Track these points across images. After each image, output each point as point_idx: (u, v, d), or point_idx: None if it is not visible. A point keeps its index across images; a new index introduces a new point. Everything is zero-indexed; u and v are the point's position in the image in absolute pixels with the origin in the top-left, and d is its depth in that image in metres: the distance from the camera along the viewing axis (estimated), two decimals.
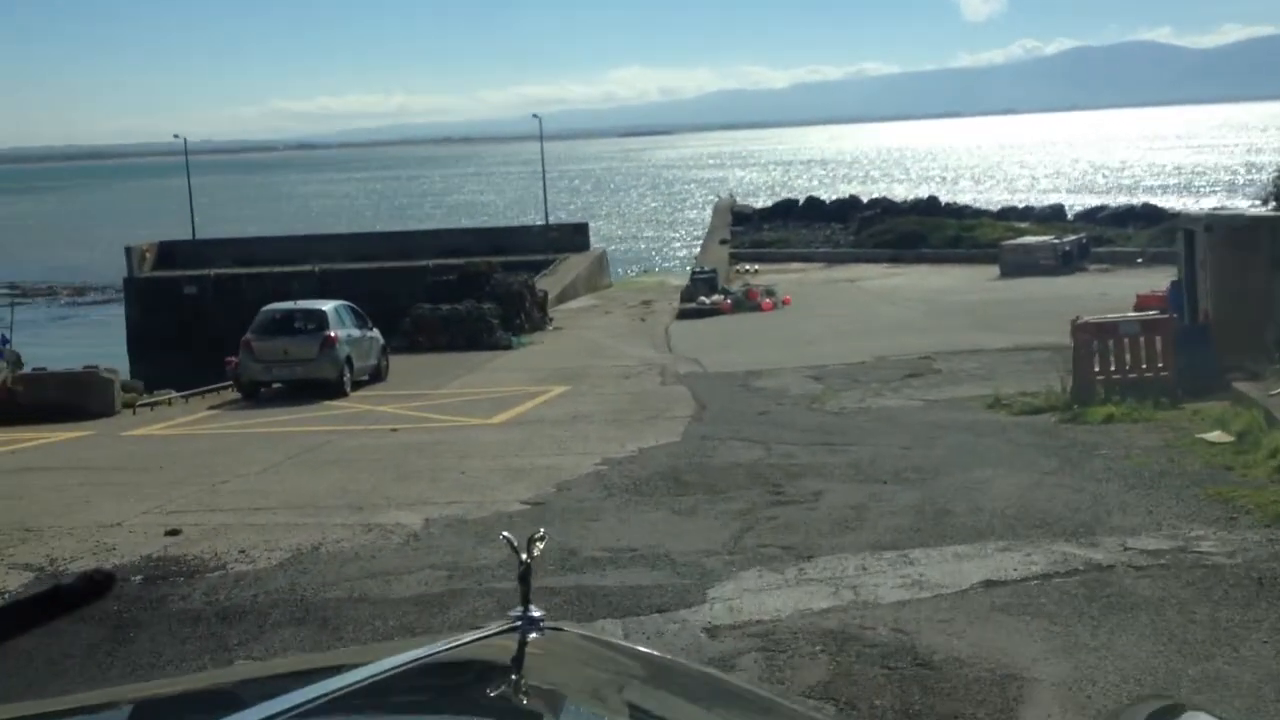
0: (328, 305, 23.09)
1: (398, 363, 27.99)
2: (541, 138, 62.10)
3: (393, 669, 1.71)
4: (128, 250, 58.85)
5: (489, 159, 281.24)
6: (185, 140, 66.27)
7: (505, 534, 2.12)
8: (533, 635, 1.94)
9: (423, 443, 16.37)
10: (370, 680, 1.67)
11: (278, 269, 54.88)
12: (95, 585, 3.27)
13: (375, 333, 24.23)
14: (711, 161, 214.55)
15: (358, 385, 22.99)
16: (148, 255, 59.63)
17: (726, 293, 40.23)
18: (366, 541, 10.68)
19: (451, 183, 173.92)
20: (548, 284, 43.32)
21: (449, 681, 1.85)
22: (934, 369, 21.28)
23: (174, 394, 23.43)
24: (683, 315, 38.13)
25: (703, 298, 39.50)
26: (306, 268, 54.13)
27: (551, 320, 36.47)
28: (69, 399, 20.49)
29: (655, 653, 2.34)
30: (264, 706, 1.55)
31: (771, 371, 22.53)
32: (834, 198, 72.30)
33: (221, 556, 10.21)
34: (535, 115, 63.47)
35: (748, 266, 50.85)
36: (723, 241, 59.89)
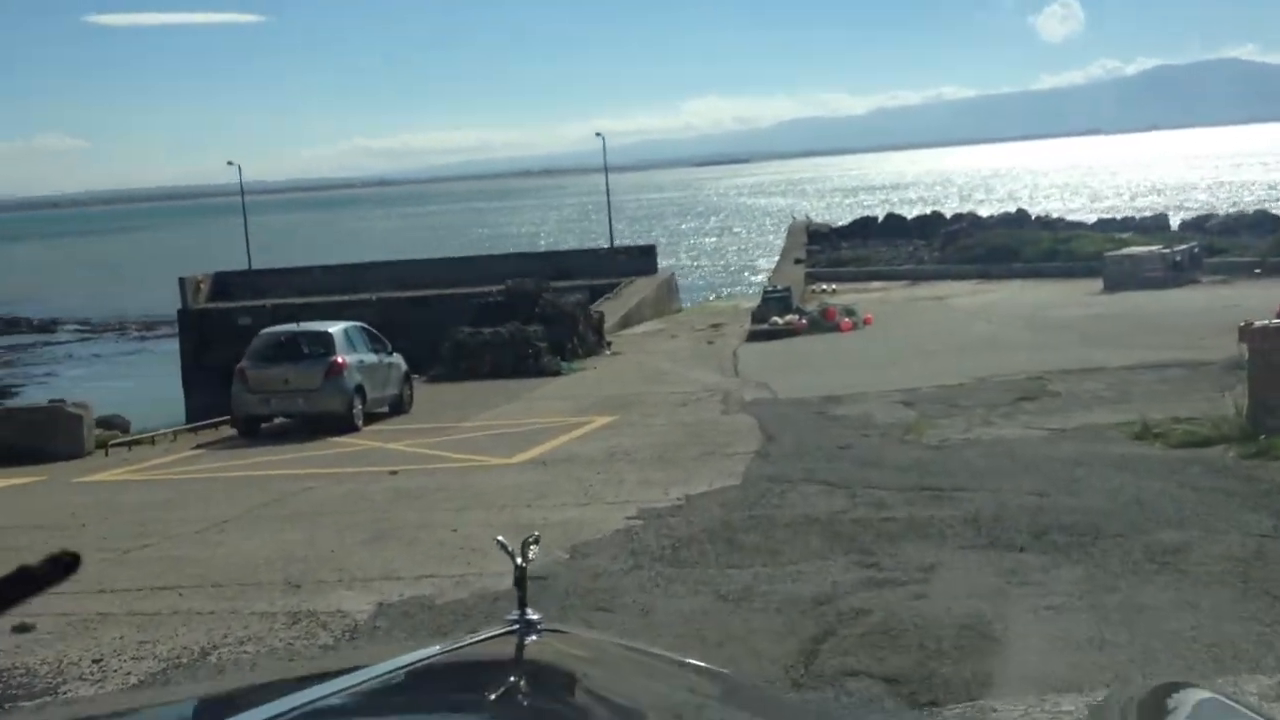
0: (335, 327, 20.04)
1: (432, 392, 24.93)
2: (605, 155, 59.16)
3: (389, 673, 1.67)
4: (181, 281, 56.80)
5: (568, 190, 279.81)
6: (240, 168, 64.21)
7: (499, 538, 2.06)
8: (531, 638, 1.88)
9: (420, 489, 13.19)
10: (367, 684, 1.64)
11: (334, 298, 52.69)
12: (61, 567, 1.75)
13: (396, 358, 21.16)
14: (786, 188, 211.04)
15: (373, 418, 19.95)
16: (202, 286, 57.58)
17: (801, 312, 36.75)
18: (283, 641, 7.51)
19: (528, 214, 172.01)
20: (611, 308, 40.16)
21: (446, 685, 1.80)
22: (1049, 391, 17.72)
23: (163, 431, 20.55)
24: (753, 337, 34.81)
25: (775, 318, 36.07)
26: (364, 296, 51.79)
27: (609, 344, 33.24)
28: (31, 439, 17.66)
29: (659, 650, 2.20)
30: (263, 709, 1.51)
31: (853, 397, 19.12)
32: (916, 214, 68.48)
33: (64, 670, 7.11)
34: (599, 134, 60.54)
35: (824, 286, 47.39)
36: (798, 261, 56.37)
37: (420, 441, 17.41)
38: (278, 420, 19.74)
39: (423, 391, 25.06)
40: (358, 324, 20.80)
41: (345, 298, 52.60)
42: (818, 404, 18.73)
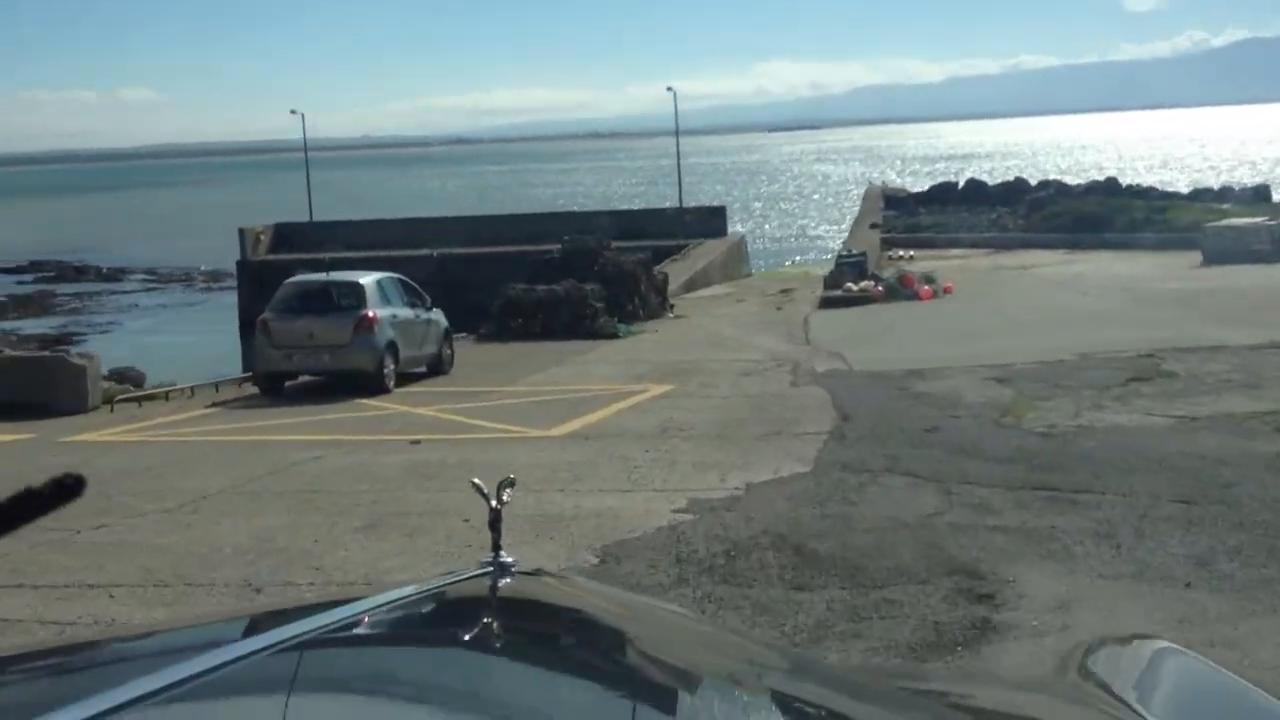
0: (367, 277, 18.25)
1: (478, 353, 23.22)
2: (676, 111, 56.96)
3: (360, 613, 1.63)
4: (241, 232, 55.69)
5: (637, 153, 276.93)
6: (303, 117, 62.88)
7: (474, 480, 2.01)
8: (506, 580, 1.83)
9: (440, 464, 11.42)
10: (337, 624, 1.57)
11: (394, 253, 51.37)
12: (65, 489, 1.44)
13: (435, 314, 19.38)
14: (860, 155, 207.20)
15: (408, 378, 18.23)
16: (262, 238, 56.42)
17: (878, 278, 34.59)
18: None
19: (597, 175, 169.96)
20: (677, 270, 38.22)
21: (418, 626, 1.75)
22: (1165, 371, 15.57)
23: (181, 386, 19.00)
24: (826, 304, 32.76)
25: (849, 284, 33.96)
26: (424, 252, 50.37)
27: (673, 307, 31.34)
28: (32, 392, 16.13)
29: (636, 595, 2.38)
30: (234, 646, 1.45)
31: (937, 371, 17.09)
32: (999, 181, 65.63)
33: None
34: (670, 89, 58.36)
35: (901, 252, 45.09)
36: (873, 226, 53.94)
37: (454, 407, 15.65)
38: (304, 378, 18.11)
39: (468, 351, 23.36)
40: (393, 275, 19.01)
41: (403, 253, 51.32)
42: (898, 378, 16.72)
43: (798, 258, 65.71)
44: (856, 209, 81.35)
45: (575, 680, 1.63)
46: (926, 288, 32.74)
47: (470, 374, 19.56)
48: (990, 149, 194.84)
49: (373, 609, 1.68)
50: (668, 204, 62.71)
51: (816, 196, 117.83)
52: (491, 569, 1.86)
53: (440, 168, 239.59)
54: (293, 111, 62.85)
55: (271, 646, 1.46)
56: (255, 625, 1.74)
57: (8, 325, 52.00)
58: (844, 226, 79.43)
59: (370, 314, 17.20)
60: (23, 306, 59.25)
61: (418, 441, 12.87)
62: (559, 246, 31.91)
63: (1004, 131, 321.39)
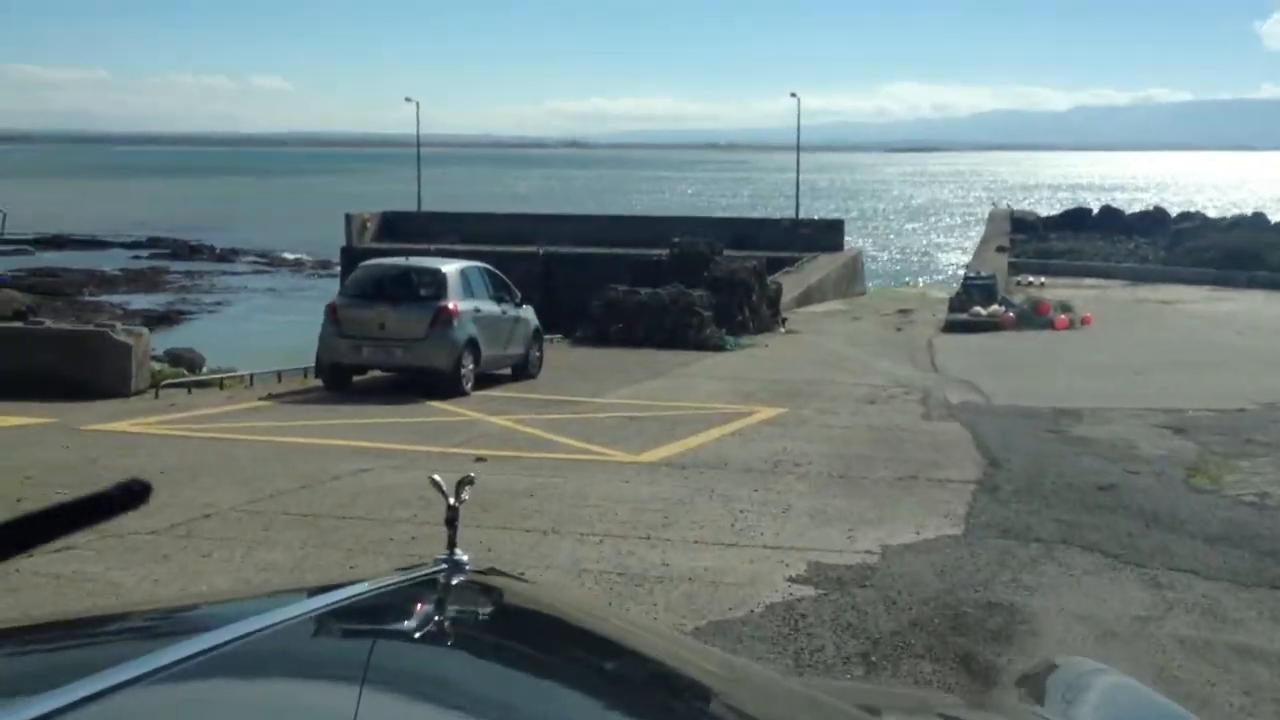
0: (450, 266, 16.29)
1: (571, 357, 21.25)
2: (799, 116, 54.68)
3: (312, 610, 1.59)
4: (348, 219, 54.78)
5: (757, 165, 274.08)
6: (417, 105, 61.76)
7: (434, 476, 1.97)
8: (459, 579, 1.81)
9: (505, 491, 9.39)
10: (286, 621, 1.52)
11: (500, 248, 50.13)
12: (132, 495, 1.50)
13: (525, 312, 17.43)
14: (984, 180, 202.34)
15: (489, 381, 16.30)
16: (369, 225, 55.45)
17: (1007, 304, 32.04)
18: None
19: (714, 186, 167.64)
20: (789, 283, 36.02)
21: (369, 624, 1.70)
22: None
23: (241, 373, 17.30)
24: (951, 328, 30.35)
25: (978, 308, 31.47)
26: (530, 249, 48.99)
27: (785, 321, 29.13)
28: (74, 369, 14.51)
29: (590, 599, 2.55)
30: (178, 646, 1.39)
31: (1095, 412, 14.69)
32: (1136, 209, 62.12)
33: None
34: (793, 94, 56.09)
35: (1031, 278, 42.34)
36: (1000, 249, 51.03)
37: (534, 418, 13.65)
38: (374, 373, 16.26)
39: (561, 355, 21.42)
40: (481, 265, 17.04)
41: (509, 248, 50.10)
42: (1048, 418, 14.36)
43: (916, 279, 63.08)
44: (979, 231, 78.45)
45: (527, 679, 1.60)
46: (1062, 317, 30.16)
47: (559, 380, 17.57)
48: (1118, 180, 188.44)
49: (324, 606, 1.61)
50: (783, 216, 60.54)
51: (933, 218, 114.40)
52: (445, 566, 1.82)
53: (558, 168, 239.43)
54: (408, 99, 61.86)
55: (220, 644, 1.40)
56: (201, 622, 1.63)
57: (116, 299, 51.81)
58: (964, 250, 76.54)
59: (450, 306, 15.27)
60: (133, 281, 59.28)
61: (483, 459, 10.89)
62: (668, 250, 29.86)
63: (1131, 164, 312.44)
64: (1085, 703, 2.04)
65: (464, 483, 1.95)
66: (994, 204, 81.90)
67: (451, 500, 1.93)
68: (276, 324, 44.74)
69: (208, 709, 1.33)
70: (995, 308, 31.34)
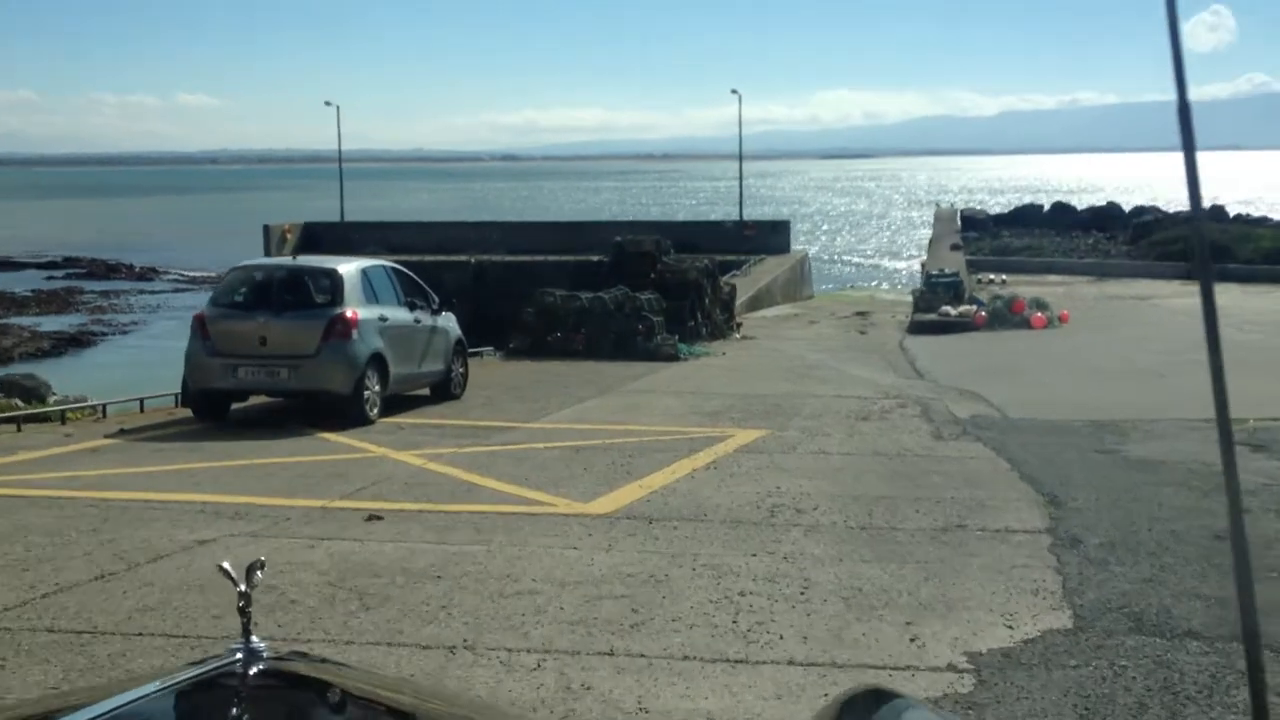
0: (349, 266, 13.10)
1: (503, 373, 18.37)
2: (740, 114, 52.14)
3: (104, 713, 1.49)
4: (266, 230, 51.42)
5: (691, 174, 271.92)
6: (338, 109, 58.51)
7: (223, 563, 1.83)
8: (257, 668, 1.71)
9: (402, 571, 6.53)
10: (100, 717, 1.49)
11: (428, 258, 47.15)
12: None
13: (445, 320, 14.47)
14: (920, 186, 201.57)
15: (401, 404, 13.37)
16: (289, 236, 52.08)
17: (977, 302, 29.58)
18: None
19: (651, 195, 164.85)
20: (738, 287, 33.40)
21: (169, 716, 1.64)
22: None
23: (94, 404, 14.20)
24: (919, 329, 27.89)
25: (947, 307, 29.01)
26: (461, 258, 46.15)
27: (740, 326, 26.45)
28: None
29: (402, 677, 2.31)
30: None
31: (1136, 425, 12.11)
32: (1087, 204, 60.34)
33: None
34: (734, 90, 53.55)
35: (992, 276, 40.15)
36: (954, 247, 48.78)
37: (455, 453, 10.75)
38: (260, 398, 13.25)
39: (491, 370, 18.52)
40: (388, 265, 14.00)
41: (440, 258, 47.22)
42: (1086, 434, 11.73)
43: (853, 283, 60.88)
44: (918, 237, 76.40)
45: None
46: (1039, 315, 27.76)
47: (489, 401, 14.68)
48: (1054, 184, 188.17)
49: (117, 708, 1.51)
50: (726, 218, 57.96)
51: (871, 224, 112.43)
52: (240, 655, 1.72)
53: (493, 182, 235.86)
54: (327, 103, 58.50)
55: None
56: None
57: (26, 321, 48.49)
58: (900, 258, 74.46)
59: (348, 314, 12.29)
60: (45, 302, 55.71)
61: (378, 517, 7.99)
62: (610, 250, 27.00)
63: (1061, 166, 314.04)
64: None
65: (255, 567, 1.80)
66: (937, 204, 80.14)
67: (242, 586, 1.77)
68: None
69: None
70: (966, 307, 28.88)
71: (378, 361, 12.62)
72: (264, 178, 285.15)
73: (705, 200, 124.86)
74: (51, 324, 47.43)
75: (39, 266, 70.14)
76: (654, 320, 20.83)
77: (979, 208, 68.42)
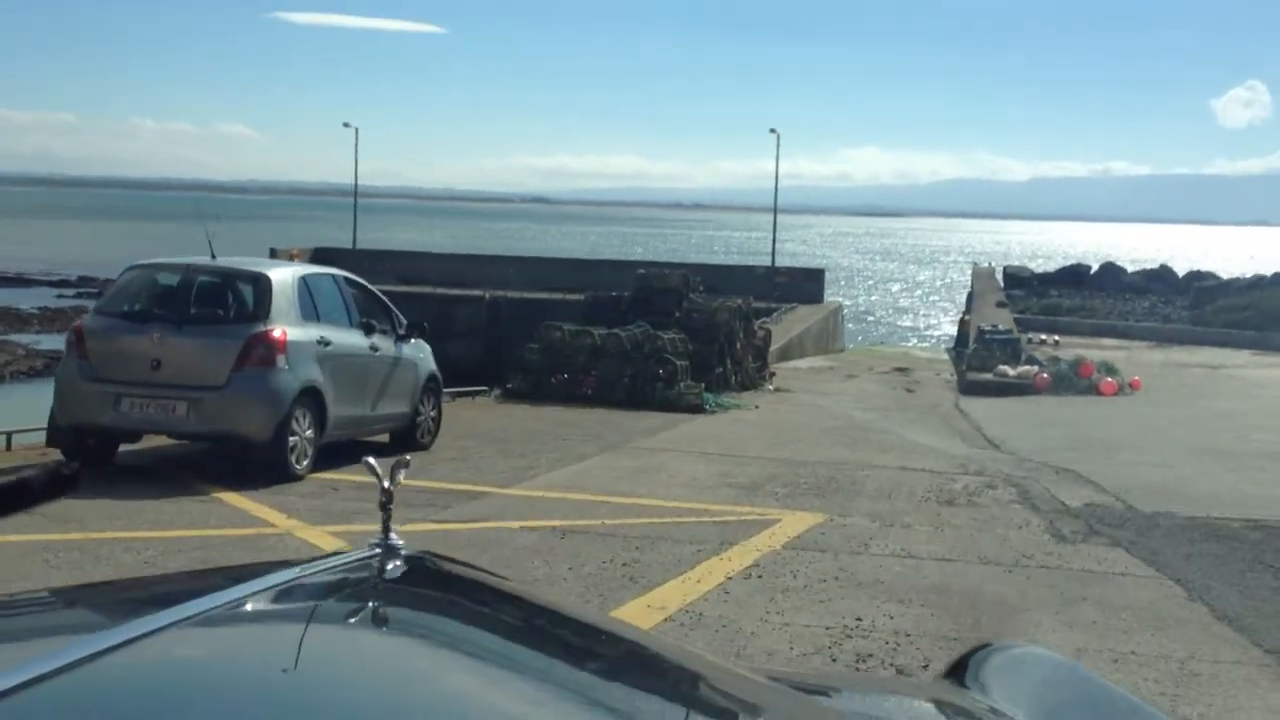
0: (282, 271, 9.98)
1: (492, 417, 15.27)
2: (778, 150, 49.24)
3: (245, 596, 1.52)
4: (272, 253, 48.55)
5: (722, 225, 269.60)
6: (356, 131, 55.92)
7: (368, 458, 1.92)
8: (394, 563, 1.76)
9: None
10: (220, 606, 1.47)
11: (442, 290, 44.38)
12: (60, 480, 1.85)
13: (413, 349, 11.27)
14: (948, 250, 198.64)
15: (344, 455, 10.27)
16: (297, 260, 49.21)
17: (1037, 363, 26.41)
18: None
19: (683, 240, 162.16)
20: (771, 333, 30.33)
21: (304, 608, 1.64)
22: None
23: None
24: (973, 389, 24.74)
25: (1004, 367, 25.80)
26: (476, 293, 43.29)
27: (773, 376, 23.36)
28: None
29: (525, 585, 2.15)
30: (108, 633, 1.33)
31: None
32: (1138, 267, 57.11)
33: None
34: (773, 130, 50.74)
35: (1043, 337, 36.87)
36: (1000, 305, 45.51)
37: (395, 532, 7.70)
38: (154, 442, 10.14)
39: (477, 414, 15.45)
40: (339, 274, 10.79)
41: (453, 291, 44.41)
42: (1261, 542, 8.56)
43: (882, 340, 57.88)
44: (955, 294, 73.26)
45: (461, 662, 1.57)
46: (1109, 380, 24.53)
47: (464, 454, 11.59)
48: (1090, 251, 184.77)
49: (257, 591, 1.57)
50: (757, 264, 54.93)
51: (901, 281, 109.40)
52: (380, 550, 1.78)
53: (523, 223, 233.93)
54: (346, 125, 55.91)
55: (152, 631, 1.37)
56: (131, 607, 1.59)
57: (26, 338, 46.08)
58: (935, 315, 71.34)
59: (274, 334, 9.14)
60: (49, 320, 53.30)
61: None
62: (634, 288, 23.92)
63: (1092, 235, 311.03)
64: (1033, 693, 1.98)
65: (400, 465, 1.87)
66: (975, 262, 77.29)
67: (386, 484, 1.84)
68: None
69: (133, 698, 1.28)
70: (1026, 367, 25.67)
71: (311, 398, 9.50)
72: (291, 208, 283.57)
73: (736, 250, 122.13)
74: (51, 342, 44.91)
75: (51, 284, 68.00)
76: (677, 364, 17.72)
77: (1021, 265, 65.27)
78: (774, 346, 28.93)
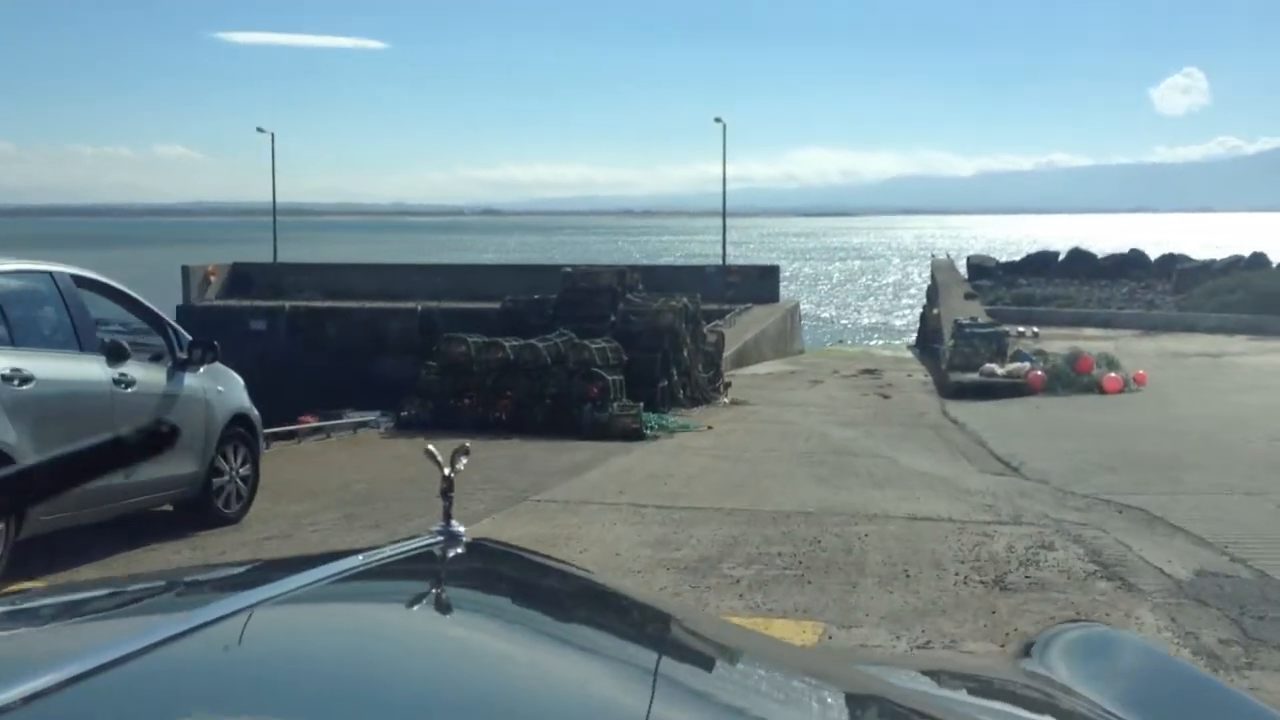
0: None
1: (361, 459, 11.77)
2: (725, 145, 46.00)
3: (309, 584, 1.51)
4: (185, 271, 44.62)
5: (674, 230, 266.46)
6: (273, 136, 52.06)
7: (429, 447, 1.89)
8: (456, 550, 1.76)
9: None
10: (283, 593, 1.47)
11: (370, 304, 40.99)
12: (157, 439, 1.30)
13: (202, 383, 7.61)
14: (899, 243, 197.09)
15: (113, 537, 6.73)
16: (213, 278, 45.36)
17: (1026, 358, 23.24)
18: None
19: (638, 247, 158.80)
20: (724, 336, 26.98)
21: (367, 595, 1.64)
22: None
23: None
24: (958, 392, 21.67)
25: (992, 365, 22.59)
26: (408, 305, 39.89)
27: (728, 386, 20.04)
28: None
29: (589, 571, 1.99)
30: (168, 622, 1.34)
31: None
32: (1111, 250, 54.37)
33: None
34: (718, 119, 47.50)
35: (1021, 329, 33.73)
36: (969, 296, 42.32)
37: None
38: None
39: (350, 454, 11.94)
40: (67, 271, 7.11)
41: (384, 304, 41.03)
42: None
43: (856, 338, 55.02)
44: (915, 292, 70.54)
45: (532, 649, 1.55)
46: (1112, 376, 21.37)
47: (292, 526, 8.10)
48: (1040, 241, 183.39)
49: (323, 577, 1.55)
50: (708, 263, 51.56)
51: (862, 279, 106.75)
52: (442, 538, 1.79)
53: (473, 236, 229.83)
54: (260, 130, 51.96)
55: (214, 620, 1.37)
56: (192, 597, 1.68)
57: None
58: (885, 313, 68.62)
59: None
60: None
61: None
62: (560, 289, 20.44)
63: (1038, 226, 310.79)
64: (1099, 665, 1.98)
65: (460, 452, 1.88)
66: (933, 255, 74.67)
67: (447, 470, 1.86)
68: None
69: (202, 683, 1.29)
70: (1016, 364, 22.45)
71: None
72: (239, 229, 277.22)
73: (688, 255, 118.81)
74: None
75: None
76: (608, 380, 14.26)
77: (986, 254, 62.31)
78: (728, 351, 25.59)
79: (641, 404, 14.60)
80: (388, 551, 1.68)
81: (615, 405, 14.04)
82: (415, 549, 1.73)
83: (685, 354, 18.03)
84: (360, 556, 1.62)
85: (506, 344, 14.74)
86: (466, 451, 1.84)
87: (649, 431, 13.84)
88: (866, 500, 9.27)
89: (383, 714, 1.22)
